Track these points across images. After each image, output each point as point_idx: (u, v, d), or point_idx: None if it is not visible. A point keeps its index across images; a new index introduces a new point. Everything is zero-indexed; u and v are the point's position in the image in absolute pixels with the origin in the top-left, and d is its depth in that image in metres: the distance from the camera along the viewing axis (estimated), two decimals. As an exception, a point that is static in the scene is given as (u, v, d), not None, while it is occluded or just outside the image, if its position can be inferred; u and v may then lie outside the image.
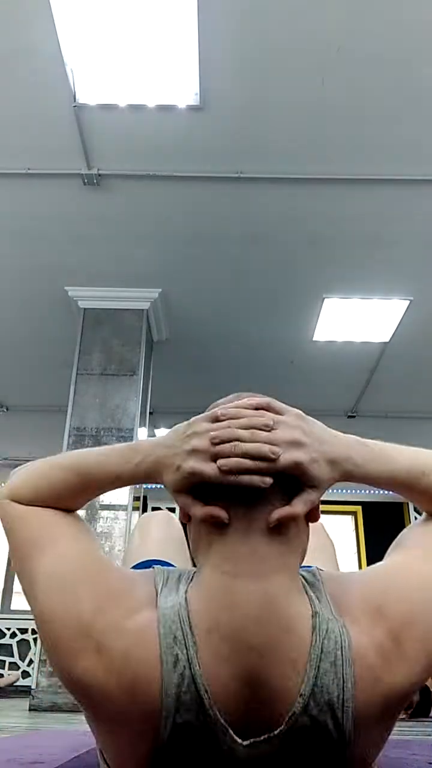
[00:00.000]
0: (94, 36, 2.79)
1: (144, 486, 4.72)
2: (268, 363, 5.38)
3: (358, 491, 7.77)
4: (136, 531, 1.47)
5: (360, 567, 7.97)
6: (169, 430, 0.78)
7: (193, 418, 0.78)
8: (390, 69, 2.88)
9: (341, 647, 0.65)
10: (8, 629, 7.32)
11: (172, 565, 1.15)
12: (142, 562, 1.19)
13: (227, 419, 0.73)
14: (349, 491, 7.60)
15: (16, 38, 2.79)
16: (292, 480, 0.71)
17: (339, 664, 0.65)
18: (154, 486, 7.81)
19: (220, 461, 0.69)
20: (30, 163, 3.45)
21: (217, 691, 0.64)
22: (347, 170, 3.44)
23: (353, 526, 8.27)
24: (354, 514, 8.21)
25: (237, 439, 0.70)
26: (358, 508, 8.07)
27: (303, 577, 0.74)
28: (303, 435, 0.72)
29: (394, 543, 0.87)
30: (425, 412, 6.16)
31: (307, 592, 0.71)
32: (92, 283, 4.41)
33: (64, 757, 1.28)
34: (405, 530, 0.89)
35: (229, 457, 0.69)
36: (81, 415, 4.14)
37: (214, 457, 0.70)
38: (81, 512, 0.86)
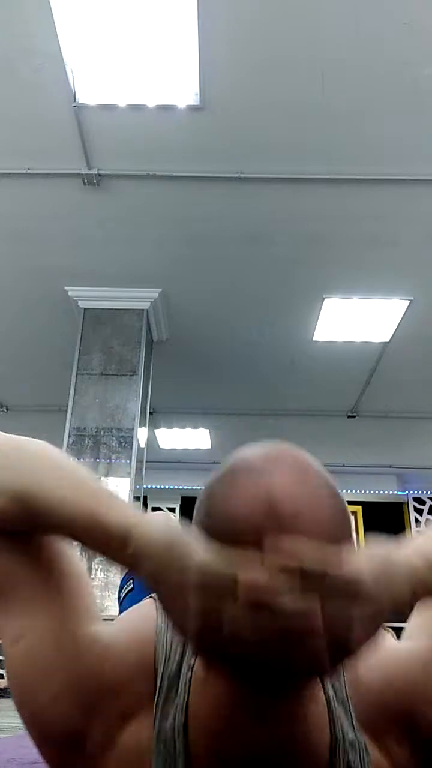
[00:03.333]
0: (94, 36, 2.79)
1: (144, 486, 4.72)
2: (268, 363, 5.38)
3: (358, 491, 7.78)
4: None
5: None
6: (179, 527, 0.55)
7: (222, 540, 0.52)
8: (390, 69, 2.88)
9: None
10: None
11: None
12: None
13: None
14: (349, 491, 7.60)
15: (16, 38, 2.79)
16: None
17: None
18: (154, 486, 7.81)
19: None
20: (30, 163, 3.45)
21: None
22: (347, 170, 3.43)
23: (353, 526, 8.26)
24: (354, 514, 8.21)
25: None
26: (359, 508, 8.07)
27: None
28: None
29: (416, 615, 0.72)
30: (425, 412, 6.16)
31: (328, 703, 0.61)
32: (92, 283, 4.41)
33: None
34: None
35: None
36: (81, 415, 4.14)
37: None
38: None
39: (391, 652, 0.66)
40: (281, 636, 0.48)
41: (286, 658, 0.49)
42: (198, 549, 0.51)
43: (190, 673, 0.62)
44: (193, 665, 0.62)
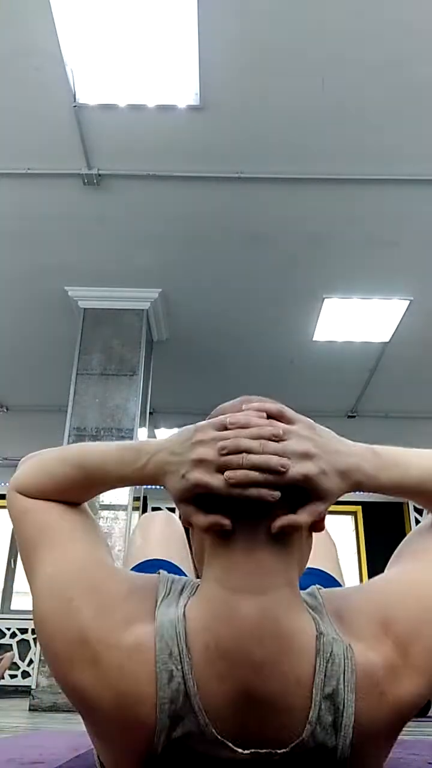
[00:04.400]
0: (94, 36, 2.79)
1: (144, 486, 4.72)
2: (268, 363, 5.39)
3: (358, 491, 7.77)
4: (137, 531, 1.47)
5: (360, 567, 7.98)
6: (175, 432, 0.74)
7: (199, 423, 0.73)
8: (390, 69, 2.88)
9: (346, 670, 0.65)
10: (8, 629, 7.32)
11: (174, 565, 1.15)
12: (143, 562, 1.19)
13: (236, 428, 0.69)
14: (349, 491, 7.59)
15: (16, 38, 2.79)
16: (300, 491, 0.68)
17: (344, 687, 0.64)
18: (154, 486, 7.88)
19: (228, 473, 0.66)
20: (30, 163, 3.45)
21: (213, 708, 0.63)
22: (347, 170, 3.43)
23: (353, 526, 8.27)
24: (354, 514, 8.21)
25: (246, 450, 0.67)
26: (358, 508, 8.08)
27: (304, 599, 0.73)
28: (314, 446, 0.69)
29: (396, 552, 0.85)
30: (425, 412, 6.16)
31: (309, 613, 0.69)
32: (92, 283, 4.41)
33: (64, 757, 1.28)
34: (406, 538, 0.88)
35: (237, 469, 0.66)
36: (81, 415, 4.14)
37: (221, 468, 0.67)
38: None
39: (370, 581, 0.82)
40: (252, 469, 0.66)
41: (259, 484, 0.66)
42: (186, 435, 0.72)
43: (187, 599, 0.72)
44: (190, 593, 0.74)
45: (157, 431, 6.80)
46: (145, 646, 0.65)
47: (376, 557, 7.55)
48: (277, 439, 0.68)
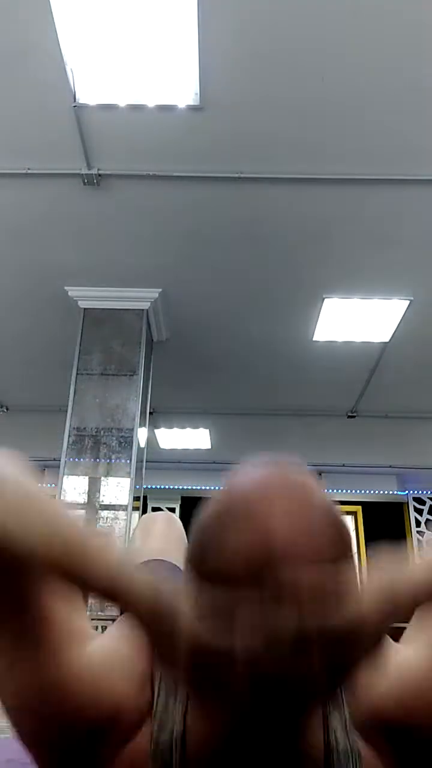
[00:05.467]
0: (94, 36, 2.79)
1: (144, 486, 4.71)
2: (268, 363, 5.38)
3: (358, 491, 7.78)
4: (138, 531, 1.47)
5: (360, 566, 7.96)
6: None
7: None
8: (390, 69, 2.88)
9: None
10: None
11: (174, 566, 1.15)
12: (144, 562, 1.18)
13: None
14: (349, 491, 7.60)
15: (16, 38, 2.79)
16: None
17: None
18: (154, 486, 7.82)
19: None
20: (30, 163, 3.45)
21: None
22: (347, 170, 3.43)
23: (353, 526, 8.26)
24: (354, 514, 8.21)
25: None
26: (358, 508, 8.07)
27: None
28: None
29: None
30: (425, 412, 6.15)
31: (324, 710, 0.63)
32: (92, 283, 4.41)
33: (64, 758, 1.28)
34: None
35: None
36: (81, 415, 4.14)
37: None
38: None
39: (390, 659, 0.65)
40: (280, 688, 0.48)
41: (284, 701, 0.49)
42: (187, 617, 0.49)
43: None
44: None
45: (157, 431, 6.80)
46: (144, 763, 0.59)
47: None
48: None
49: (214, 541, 0.53)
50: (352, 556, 0.56)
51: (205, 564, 0.52)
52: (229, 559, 0.50)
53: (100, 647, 0.64)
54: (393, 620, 0.51)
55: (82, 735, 0.58)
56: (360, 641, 0.48)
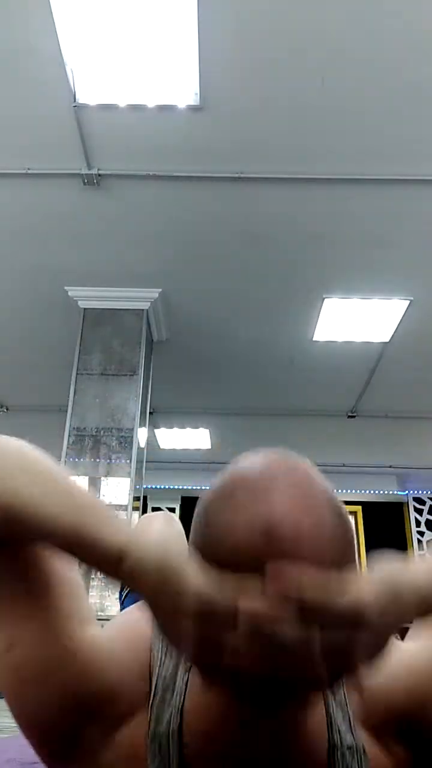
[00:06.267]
0: (94, 36, 2.79)
1: (144, 486, 4.72)
2: (268, 363, 5.38)
3: (358, 491, 7.78)
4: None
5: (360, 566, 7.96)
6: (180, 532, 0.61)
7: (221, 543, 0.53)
8: (390, 69, 2.88)
9: None
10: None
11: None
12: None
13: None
14: (349, 491, 7.60)
15: (16, 38, 2.79)
16: None
17: None
18: (154, 486, 7.81)
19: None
20: (30, 163, 3.45)
21: None
22: (347, 170, 3.43)
23: (356, 543, 8.26)
24: (354, 514, 8.21)
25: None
26: (358, 508, 8.07)
27: None
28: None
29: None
30: (425, 412, 6.15)
31: (327, 707, 0.62)
32: (92, 283, 4.41)
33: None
34: None
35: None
36: (81, 415, 4.14)
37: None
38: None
39: (396, 654, 0.64)
40: (281, 661, 0.48)
41: (285, 679, 0.49)
42: (194, 574, 0.50)
43: (186, 676, 0.62)
44: (190, 668, 0.62)
45: (157, 431, 6.80)
46: (140, 753, 0.59)
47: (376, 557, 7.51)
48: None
49: (217, 526, 0.53)
50: (353, 539, 0.57)
51: (207, 547, 0.53)
52: (231, 545, 0.51)
53: (105, 634, 0.65)
54: (394, 619, 0.51)
55: (74, 712, 0.58)
56: (360, 626, 0.49)
